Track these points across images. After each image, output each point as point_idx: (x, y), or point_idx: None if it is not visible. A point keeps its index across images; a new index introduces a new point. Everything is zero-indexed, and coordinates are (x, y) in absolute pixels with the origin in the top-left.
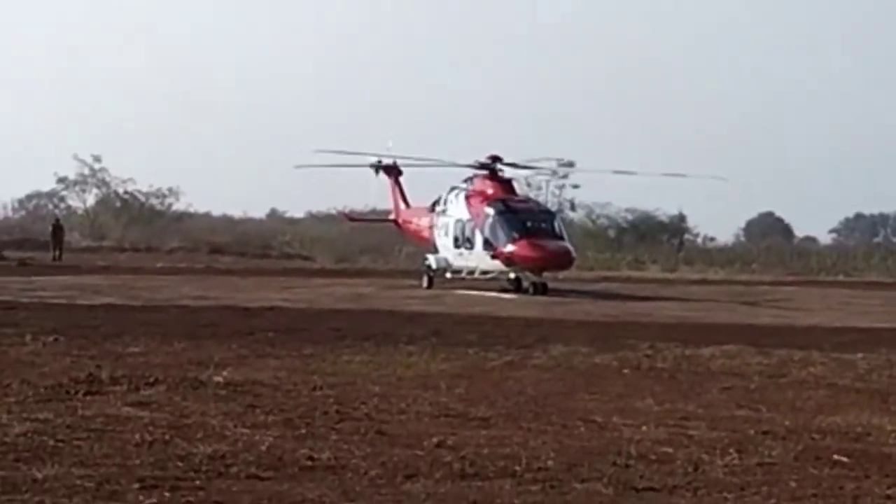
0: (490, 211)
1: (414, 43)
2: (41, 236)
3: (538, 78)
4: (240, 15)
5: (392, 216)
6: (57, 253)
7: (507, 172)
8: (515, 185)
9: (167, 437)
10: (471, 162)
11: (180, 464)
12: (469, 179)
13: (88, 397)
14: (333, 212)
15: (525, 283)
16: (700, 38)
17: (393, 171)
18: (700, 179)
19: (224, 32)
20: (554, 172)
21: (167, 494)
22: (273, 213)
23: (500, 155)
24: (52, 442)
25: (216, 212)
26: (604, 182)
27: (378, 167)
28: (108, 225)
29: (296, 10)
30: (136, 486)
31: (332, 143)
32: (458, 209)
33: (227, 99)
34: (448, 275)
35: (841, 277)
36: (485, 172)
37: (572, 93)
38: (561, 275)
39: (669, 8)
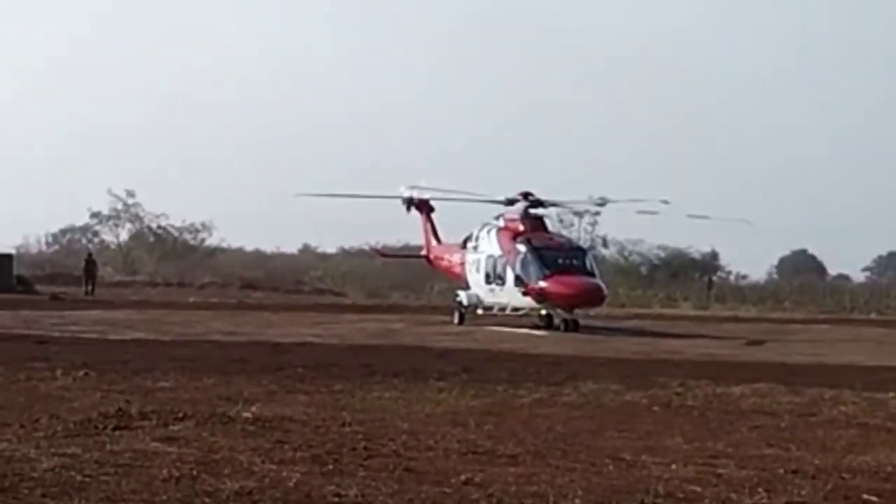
0: (521, 247)
1: (447, 81)
2: (74, 271)
3: (574, 116)
4: (276, 52)
5: (423, 252)
6: (89, 287)
7: (539, 209)
8: (547, 221)
9: (195, 472)
10: (502, 198)
11: (207, 500)
12: (500, 216)
13: (117, 432)
14: (366, 247)
15: (556, 320)
16: (735, 77)
17: (424, 207)
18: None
19: (260, 70)
20: (585, 211)
21: None
22: (305, 249)
23: (532, 191)
24: (79, 477)
25: (249, 247)
26: (637, 219)
27: (410, 203)
28: (141, 259)
29: (332, 51)
30: None
31: (365, 179)
32: (489, 245)
33: (262, 135)
34: (479, 311)
35: (874, 316)
36: (516, 209)
37: (606, 130)
38: (592, 312)
39: (701, 50)
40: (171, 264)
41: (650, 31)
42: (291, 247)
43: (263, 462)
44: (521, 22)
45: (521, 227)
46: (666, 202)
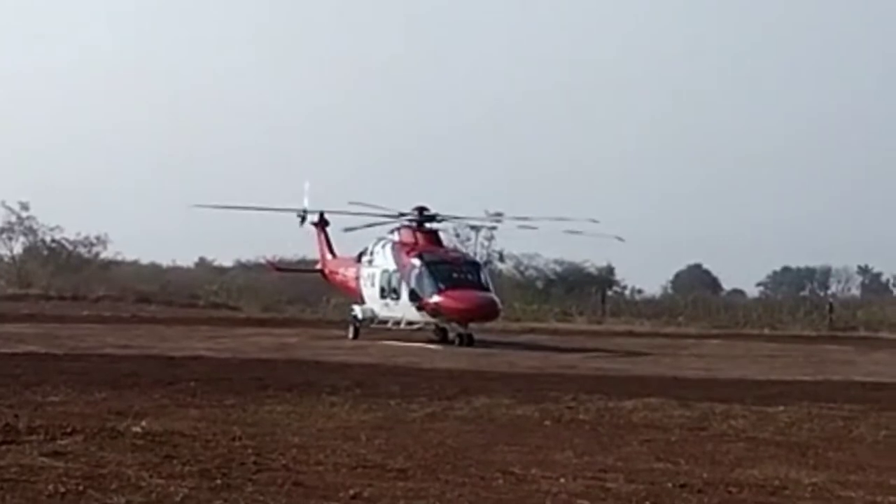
0: (416, 262)
1: (338, 88)
2: None
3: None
4: (164, 58)
5: (319, 266)
6: None
7: (434, 223)
8: (442, 236)
9: (81, 487)
10: (396, 212)
11: None
12: (395, 230)
13: (4, 447)
14: (262, 261)
15: (451, 335)
16: (625, 88)
17: (319, 221)
18: (622, 230)
19: (151, 79)
20: (481, 226)
21: None
22: (202, 262)
23: (427, 206)
24: None
25: (144, 260)
26: (532, 233)
27: (304, 216)
28: (35, 273)
29: (216, 59)
30: None
31: (264, 193)
32: (384, 260)
33: (158, 146)
34: (374, 325)
35: (766, 331)
36: (411, 224)
37: (501, 142)
38: (488, 325)
39: (589, 56)
40: (65, 278)
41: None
42: (188, 260)
43: (151, 476)
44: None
45: (416, 242)
46: (595, 221)
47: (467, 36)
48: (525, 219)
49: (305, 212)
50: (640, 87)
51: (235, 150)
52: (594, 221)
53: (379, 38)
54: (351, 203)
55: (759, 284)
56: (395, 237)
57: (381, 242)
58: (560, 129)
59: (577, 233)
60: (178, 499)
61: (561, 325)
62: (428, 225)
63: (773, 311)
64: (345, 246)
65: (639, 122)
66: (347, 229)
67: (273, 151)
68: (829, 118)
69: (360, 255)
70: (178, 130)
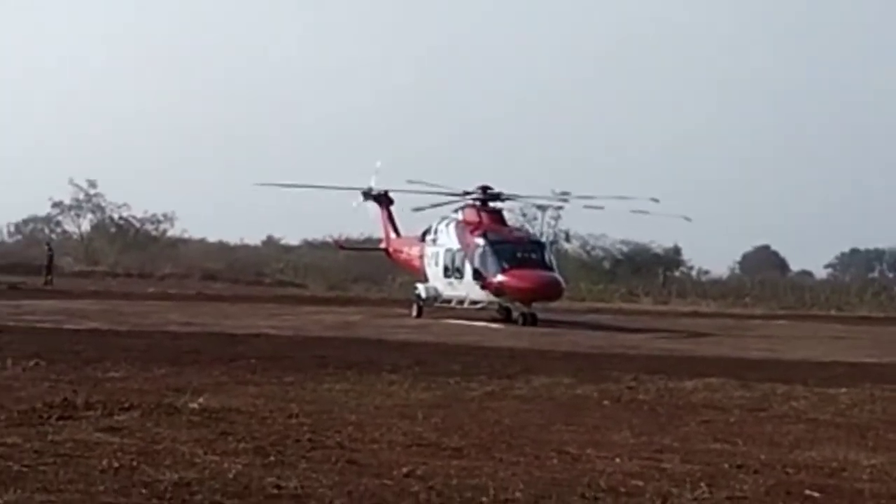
0: (480, 241)
1: (407, 68)
2: (35, 261)
3: (534, 110)
4: (234, 39)
5: (383, 245)
6: (48, 277)
7: (499, 203)
8: (506, 215)
9: (134, 463)
10: (461, 191)
11: (144, 490)
12: (459, 209)
13: (61, 422)
14: (329, 240)
15: (514, 314)
16: (695, 72)
17: (383, 200)
18: (690, 211)
19: (220, 58)
20: (548, 205)
21: None
22: (269, 241)
23: (491, 185)
24: (17, 467)
25: (212, 238)
26: (600, 213)
27: (368, 195)
28: (102, 250)
29: (298, 45)
30: None
31: (329, 170)
32: (448, 239)
33: (226, 125)
34: (437, 304)
35: (833, 312)
36: (475, 202)
37: (567, 127)
38: (552, 305)
39: (660, 40)
40: (132, 255)
41: (616, 23)
42: (255, 238)
43: (205, 453)
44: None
45: (480, 221)
46: (656, 200)
47: (529, 16)
48: (590, 198)
49: (370, 189)
50: (705, 65)
51: (304, 129)
52: (655, 200)
53: (445, 19)
54: (409, 182)
55: (827, 266)
56: (459, 216)
57: (445, 221)
58: (627, 109)
59: (642, 212)
60: (230, 475)
61: (626, 306)
62: (492, 204)
63: (840, 292)
64: (409, 225)
65: (706, 102)
66: (416, 209)
67: (341, 130)
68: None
69: (424, 233)
70: (248, 109)
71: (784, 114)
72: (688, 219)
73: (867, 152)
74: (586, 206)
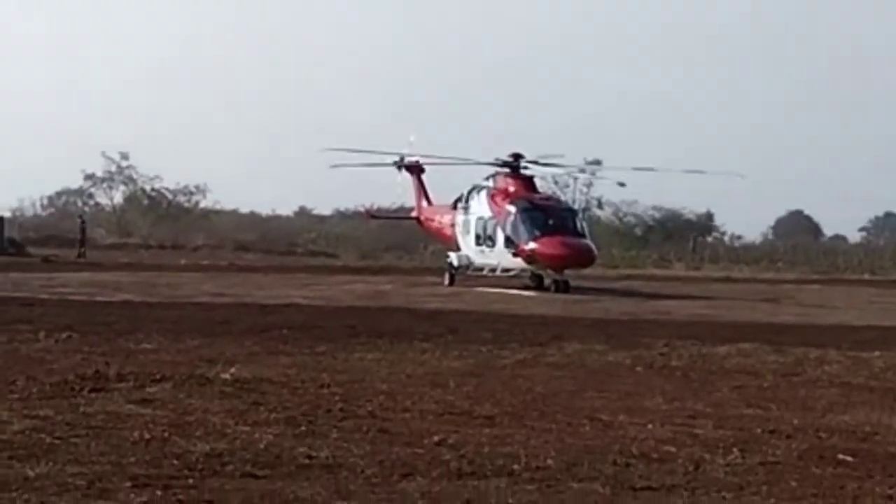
0: (511, 208)
1: (438, 41)
2: (68, 233)
3: (562, 77)
4: (267, 12)
5: (414, 213)
6: (81, 249)
7: (531, 170)
8: (538, 182)
9: (166, 434)
10: (493, 160)
11: (175, 462)
12: (491, 177)
13: (93, 394)
14: (361, 209)
15: (546, 281)
16: (727, 34)
17: (415, 169)
18: (724, 177)
19: (252, 30)
20: (582, 171)
21: (159, 493)
22: (301, 211)
23: (523, 153)
24: (49, 439)
25: (244, 209)
26: (632, 180)
27: (400, 165)
28: (135, 222)
29: (325, 7)
30: (129, 484)
31: (360, 140)
32: (479, 207)
33: (259, 96)
34: (469, 272)
35: (867, 276)
36: (507, 170)
37: (600, 91)
38: (584, 272)
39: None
40: (164, 227)
41: None
42: (288, 209)
43: (237, 424)
44: None
45: (512, 188)
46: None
47: None
48: (601, 169)
49: (402, 158)
50: (737, 28)
51: (335, 101)
52: (651, 170)
53: None
54: (422, 156)
55: (861, 230)
56: (491, 184)
57: (477, 189)
58: (655, 74)
59: (699, 172)
60: (261, 446)
61: (658, 272)
62: (523, 171)
63: (874, 256)
64: (441, 194)
65: (736, 66)
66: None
67: (375, 101)
68: None
69: (456, 202)
70: (280, 81)
71: (818, 77)
72: (741, 175)
73: None
74: (635, 168)
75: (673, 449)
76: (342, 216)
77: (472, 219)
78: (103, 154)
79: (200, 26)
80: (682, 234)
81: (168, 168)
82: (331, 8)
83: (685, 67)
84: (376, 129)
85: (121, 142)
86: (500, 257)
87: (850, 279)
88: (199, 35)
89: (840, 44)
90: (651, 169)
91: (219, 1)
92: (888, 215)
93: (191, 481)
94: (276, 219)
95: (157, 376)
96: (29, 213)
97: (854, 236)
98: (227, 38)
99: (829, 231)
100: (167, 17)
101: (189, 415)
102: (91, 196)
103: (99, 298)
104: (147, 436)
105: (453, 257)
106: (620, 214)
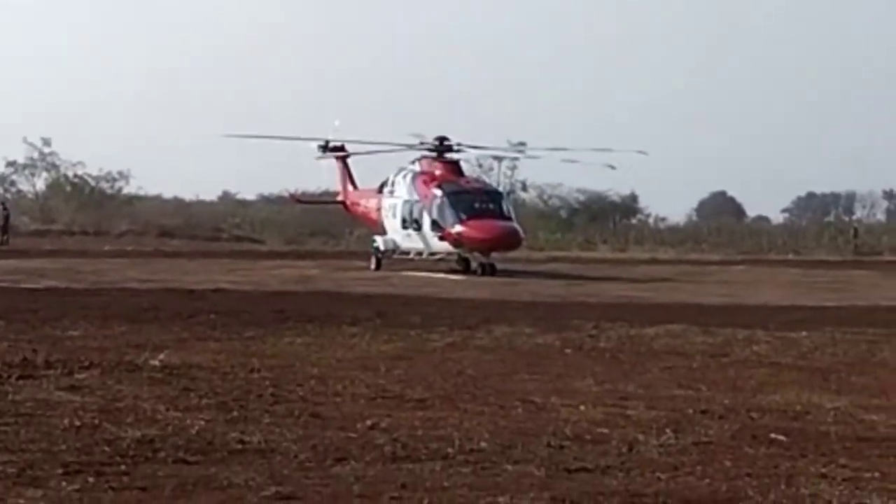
0: (437, 192)
1: (361, 23)
2: None
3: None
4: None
5: (340, 198)
6: (4, 237)
7: (455, 154)
8: (464, 166)
9: (96, 421)
10: (418, 143)
11: (107, 448)
12: (416, 161)
13: (21, 381)
14: (285, 194)
15: (473, 264)
16: (649, 15)
17: (341, 153)
18: (647, 158)
19: (175, 13)
20: (502, 157)
21: (91, 480)
22: (225, 196)
23: (447, 136)
24: None
25: (168, 195)
26: (557, 163)
27: (325, 148)
28: (58, 209)
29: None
30: (60, 471)
31: (283, 123)
32: (405, 191)
33: (179, 80)
34: (396, 256)
35: (791, 257)
36: (432, 154)
37: (522, 72)
38: (511, 255)
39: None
40: (88, 213)
41: None
42: (211, 194)
43: (167, 410)
44: None
45: (437, 172)
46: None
47: None
48: (535, 150)
49: (327, 143)
50: (670, 16)
51: (258, 86)
52: (607, 150)
53: None
54: (345, 142)
55: (783, 210)
56: (416, 168)
57: (402, 173)
58: (582, 61)
59: (606, 150)
60: (193, 431)
61: (584, 254)
62: (449, 155)
63: (797, 236)
64: (366, 178)
65: (664, 51)
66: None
67: (295, 86)
68: (850, 43)
69: (382, 186)
70: (200, 64)
71: (737, 59)
72: (643, 152)
73: (821, 97)
74: (564, 160)
75: (606, 430)
76: (266, 201)
77: (399, 203)
78: (25, 140)
79: (119, 9)
80: (607, 216)
81: (91, 154)
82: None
83: (607, 53)
84: (298, 111)
85: (43, 128)
86: (426, 241)
87: (774, 259)
88: (119, 19)
89: (761, 24)
90: (564, 149)
91: None
92: (810, 196)
93: (123, 468)
94: (199, 204)
95: (86, 363)
96: None
97: (777, 217)
98: (145, 21)
99: (752, 212)
100: (88, 2)
101: (119, 401)
102: (13, 183)
103: (24, 286)
104: (77, 423)
105: (380, 241)
106: (545, 197)
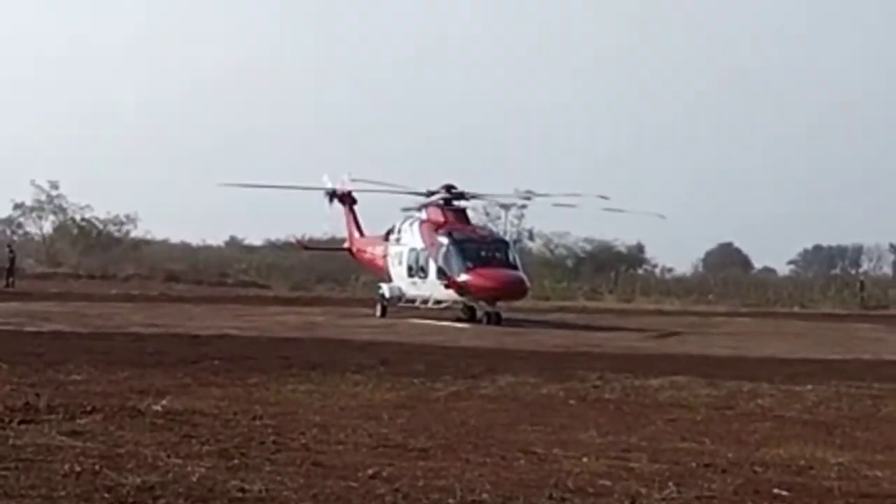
0: (444, 240)
1: (372, 67)
2: None
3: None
4: (189, 41)
5: (346, 244)
6: (10, 280)
7: (462, 201)
8: (470, 214)
9: (97, 467)
10: (424, 190)
11: (107, 495)
12: (423, 208)
13: (23, 426)
14: (292, 240)
15: (479, 313)
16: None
17: (347, 200)
18: (653, 208)
19: (186, 60)
20: (511, 204)
21: None
22: (232, 241)
23: (454, 184)
24: None
25: (174, 239)
26: (563, 212)
27: (332, 195)
28: (65, 252)
29: (254, 35)
30: None
31: (293, 171)
32: (411, 238)
33: (188, 127)
34: (401, 304)
35: (797, 309)
36: (438, 201)
37: (535, 120)
38: (516, 304)
39: (624, 43)
40: (94, 256)
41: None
42: (218, 239)
43: (169, 456)
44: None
45: (444, 220)
46: (605, 198)
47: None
48: (547, 195)
49: (334, 191)
50: (675, 65)
51: (266, 132)
52: (604, 198)
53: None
54: (353, 180)
55: (790, 262)
56: (423, 215)
57: (409, 220)
58: (590, 110)
59: (618, 210)
60: (194, 479)
61: (590, 304)
62: (456, 203)
63: (803, 289)
64: (372, 225)
65: (671, 102)
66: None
67: (305, 133)
68: (860, 96)
69: (388, 233)
70: (210, 111)
71: (747, 112)
72: (662, 216)
73: (828, 151)
74: (555, 205)
75: (609, 483)
76: (273, 246)
77: (405, 250)
78: (32, 183)
79: (130, 54)
80: (614, 266)
81: (99, 197)
82: (265, 34)
83: (614, 101)
84: (308, 158)
85: (51, 171)
86: (432, 289)
87: (780, 312)
88: (129, 63)
89: (769, 78)
90: (571, 205)
91: (149, 29)
92: (817, 248)
93: None
94: (206, 249)
95: (88, 408)
96: None
97: (783, 269)
98: (157, 67)
99: (758, 264)
100: (98, 45)
101: (120, 447)
102: (20, 225)
103: (28, 329)
104: (78, 468)
105: (385, 289)
106: (552, 246)
